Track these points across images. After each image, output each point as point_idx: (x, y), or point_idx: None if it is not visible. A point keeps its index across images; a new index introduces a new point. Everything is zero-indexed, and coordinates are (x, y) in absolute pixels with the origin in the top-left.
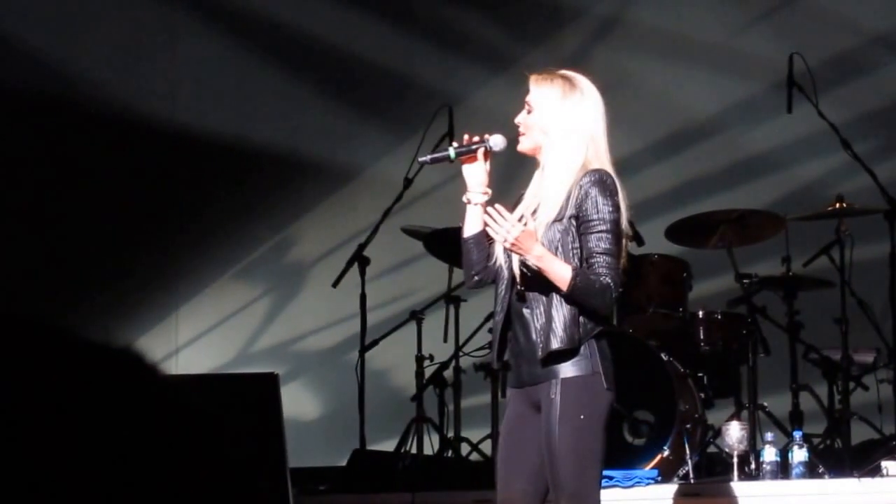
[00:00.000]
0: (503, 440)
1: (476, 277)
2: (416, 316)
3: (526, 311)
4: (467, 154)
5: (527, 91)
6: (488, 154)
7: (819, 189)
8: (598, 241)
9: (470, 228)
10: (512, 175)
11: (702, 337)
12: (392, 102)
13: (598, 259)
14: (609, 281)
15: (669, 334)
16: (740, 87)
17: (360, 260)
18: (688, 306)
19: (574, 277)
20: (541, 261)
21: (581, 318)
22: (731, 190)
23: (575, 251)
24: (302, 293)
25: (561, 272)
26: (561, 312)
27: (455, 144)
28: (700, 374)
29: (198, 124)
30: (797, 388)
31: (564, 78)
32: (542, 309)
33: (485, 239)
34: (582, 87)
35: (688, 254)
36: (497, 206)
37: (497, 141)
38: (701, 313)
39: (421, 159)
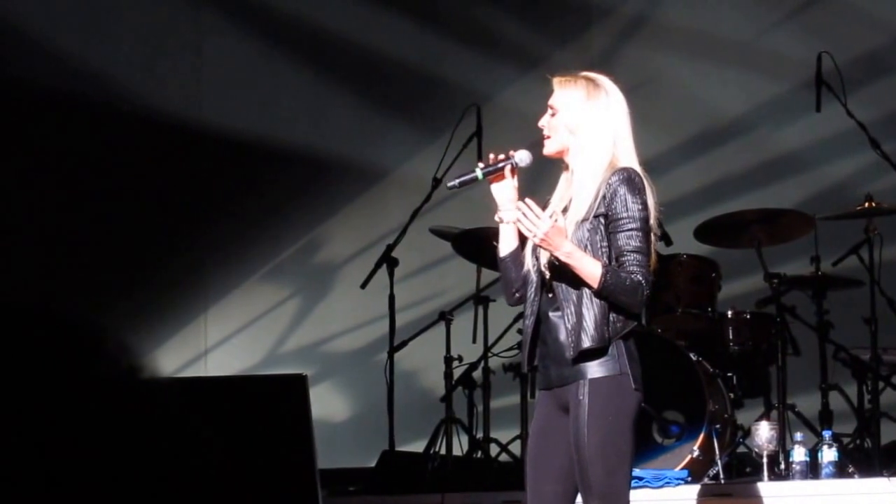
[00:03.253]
0: (532, 441)
1: (517, 295)
2: (445, 317)
3: (556, 313)
4: (494, 173)
5: (550, 94)
6: (515, 170)
7: (848, 188)
8: (628, 240)
9: (505, 247)
10: (537, 180)
11: (731, 337)
12: (420, 102)
13: (629, 257)
14: (640, 279)
15: (698, 334)
16: (769, 86)
17: (388, 261)
18: (717, 306)
19: (604, 274)
20: (570, 258)
21: (611, 317)
22: (760, 189)
23: (604, 250)
24: (330, 294)
25: (591, 269)
26: (592, 311)
27: (481, 165)
28: (729, 375)
29: (225, 124)
30: (827, 388)
31: (588, 79)
32: (572, 309)
33: (521, 255)
34: (606, 88)
35: (717, 253)
36: (528, 200)
37: (523, 156)
38: (730, 313)
39: (449, 184)
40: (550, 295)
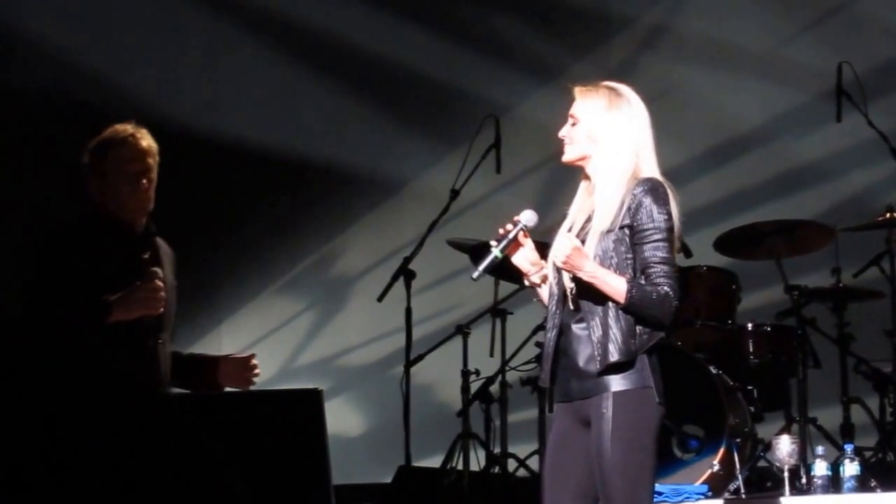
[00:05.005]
0: (550, 455)
1: None
2: (462, 330)
3: (579, 325)
4: (510, 245)
5: (570, 103)
6: (526, 233)
7: (869, 199)
8: (655, 251)
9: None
10: (551, 192)
11: (751, 350)
12: (437, 113)
13: (656, 269)
14: (668, 290)
15: (718, 347)
16: (788, 97)
17: (405, 273)
18: (736, 318)
19: (630, 290)
20: (594, 278)
21: (637, 329)
22: (780, 200)
23: (628, 262)
24: (346, 307)
25: (616, 285)
26: (619, 324)
27: (494, 243)
28: (749, 388)
29: (240, 136)
30: (848, 401)
31: (609, 88)
32: (597, 321)
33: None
34: (628, 97)
35: (736, 265)
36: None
37: (529, 217)
38: (750, 325)
39: (475, 276)
40: (573, 307)
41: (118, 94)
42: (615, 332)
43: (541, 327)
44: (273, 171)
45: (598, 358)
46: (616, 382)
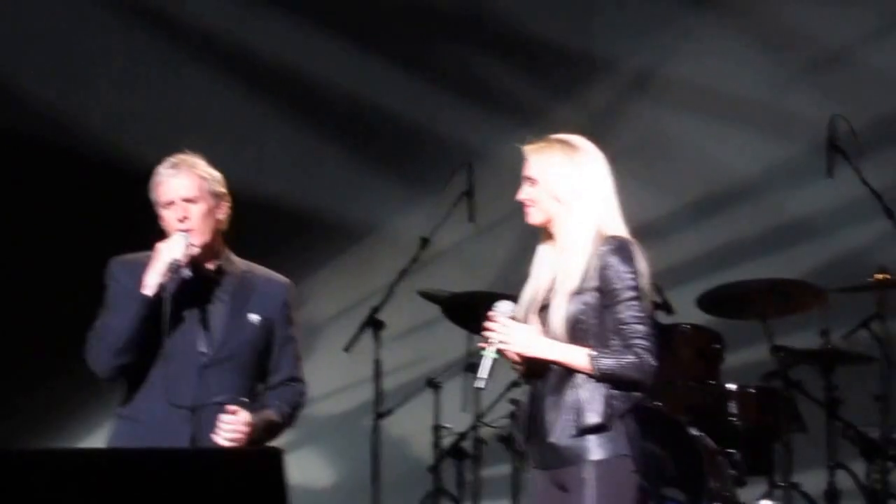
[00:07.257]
0: None
1: None
2: (433, 383)
3: (552, 395)
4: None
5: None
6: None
7: (860, 258)
8: (626, 311)
9: None
10: (527, 240)
11: (734, 412)
12: (410, 156)
13: (628, 329)
14: (641, 350)
15: (700, 409)
16: (779, 148)
17: (373, 324)
18: (720, 379)
19: (592, 361)
20: (555, 356)
21: (612, 393)
22: (768, 256)
23: (600, 324)
24: (312, 356)
25: (578, 360)
26: (588, 390)
27: (483, 345)
28: (732, 451)
29: None
30: (834, 467)
31: (562, 142)
32: (568, 388)
33: None
34: (585, 148)
35: (720, 324)
36: (492, 313)
37: (505, 308)
38: (734, 387)
39: (482, 385)
40: (544, 377)
41: (72, 131)
42: (587, 399)
43: (515, 384)
44: (235, 213)
45: (574, 424)
46: (593, 451)
